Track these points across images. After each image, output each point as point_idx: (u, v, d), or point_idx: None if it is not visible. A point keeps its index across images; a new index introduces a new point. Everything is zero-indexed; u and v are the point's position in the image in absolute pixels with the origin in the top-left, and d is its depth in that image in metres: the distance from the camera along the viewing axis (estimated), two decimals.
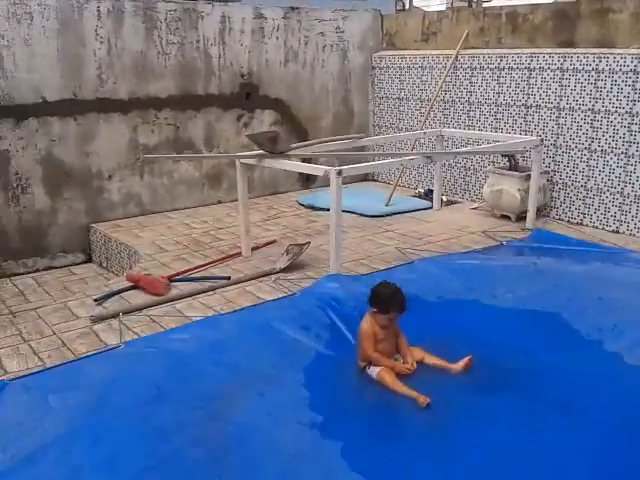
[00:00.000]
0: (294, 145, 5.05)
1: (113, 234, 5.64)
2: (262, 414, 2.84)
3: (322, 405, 2.96)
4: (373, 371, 3.21)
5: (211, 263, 4.78)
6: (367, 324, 3.28)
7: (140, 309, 3.94)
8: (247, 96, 6.68)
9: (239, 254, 4.98)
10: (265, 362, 3.28)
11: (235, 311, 3.87)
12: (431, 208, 6.32)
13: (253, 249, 5.05)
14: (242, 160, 4.83)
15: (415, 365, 3.26)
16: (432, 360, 3.33)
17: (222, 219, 6.12)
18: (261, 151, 4.75)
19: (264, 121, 6.83)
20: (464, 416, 2.91)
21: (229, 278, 4.43)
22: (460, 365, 3.24)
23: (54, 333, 3.68)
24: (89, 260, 5.96)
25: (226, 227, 5.83)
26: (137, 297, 4.16)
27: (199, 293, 4.20)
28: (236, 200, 5.85)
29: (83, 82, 5.66)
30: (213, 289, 4.27)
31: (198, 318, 3.77)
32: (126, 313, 3.87)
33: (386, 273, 4.38)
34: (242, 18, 6.45)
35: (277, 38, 6.74)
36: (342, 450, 2.63)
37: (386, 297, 3.21)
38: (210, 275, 4.54)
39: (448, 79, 6.57)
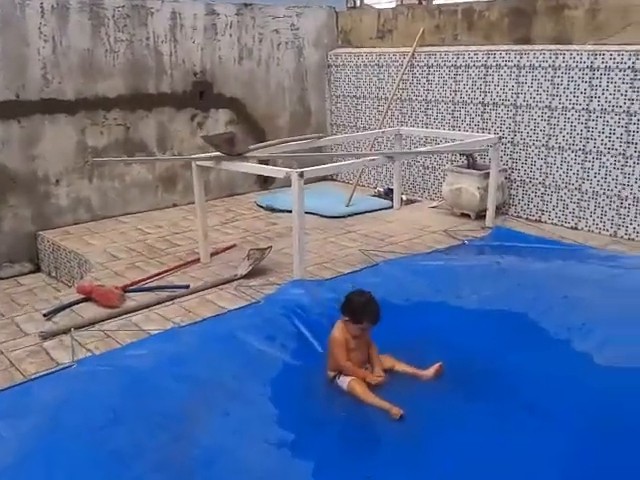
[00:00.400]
0: (252, 146, 4.89)
1: (62, 242, 5.37)
2: (227, 433, 2.69)
3: (291, 420, 2.83)
4: (343, 381, 3.10)
5: (168, 271, 4.58)
6: (339, 332, 3.16)
7: (93, 323, 3.73)
8: (201, 95, 6.48)
9: (197, 260, 4.79)
10: (229, 376, 3.12)
11: (195, 322, 3.70)
12: (391, 207, 6.26)
13: (212, 255, 4.87)
14: (198, 162, 4.65)
15: (384, 375, 3.15)
16: (403, 367, 3.24)
17: (178, 223, 5.91)
18: (218, 153, 4.58)
19: (219, 120, 6.64)
20: (437, 424, 2.83)
21: (188, 287, 4.25)
22: (431, 372, 3.17)
23: (1, 352, 3.44)
24: (37, 270, 5.66)
25: (182, 232, 5.63)
26: (89, 310, 3.94)
27: (156, 304, 4.01)
28: (192, 203, 5.67)
29: (27, 82, 5.36)
30: (171, 299, 4.07)
31: (156, 331, 3.58)
32: (78, 328, 3.65)
33: (350, 277, 4.28)
34: (194, 14, 6.24)
35: (230, 35, 6.55)
36: (314, 470, 2.52)
37: (360, 307, 3.09)
38: (167, 284, 4.34)
39: (405, 77, 6.52)
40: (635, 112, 4.94)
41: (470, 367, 3.28)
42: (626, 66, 4.94)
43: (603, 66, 5.06)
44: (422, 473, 2.51)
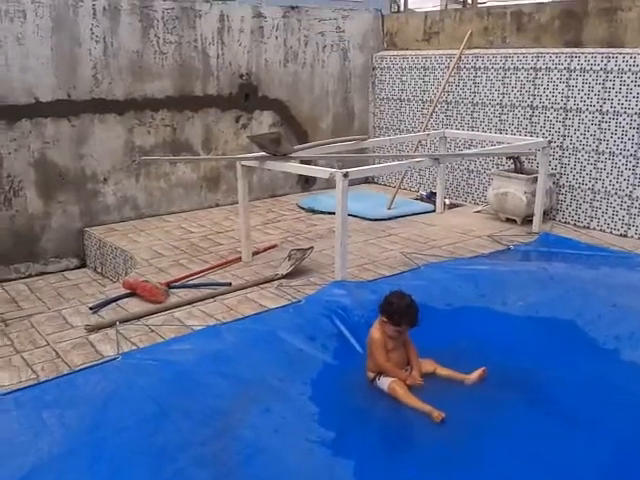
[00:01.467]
0: (296, 147, 4.90)
1: (108, 238, 5.48)
2: (269, 431, 2.69)
3: (331, 420, 2.81)
4: (384, 383, 3.07)
5: (210, 269, 4.63)
6: (378, 332, 3.13)
7: (138, 318, 3.78)
8: (246, 97, 6.53)
9: (239, 259, 4.82)
10: (271, 374, 3.12)
11: (237, 320, 3.72)
12: (434, 211, 6.19)
13: (254, 254, 4.90)
14: (243, 162, 4.68)
15: (422, 379, 3.10)
16: (445, 371, 3.18)
17: (220, 223, 5.97)
18: (263, 153, 4.60)
19: (263, 122, 6.69)
20: (479, 430, 2.77)
21: (230, 284, 4.28)
22: (474, 376, 3.11)
23: (48, 343, 3.52)
24: (83, 265, 5.78)
25: (225, 231, 5.68)
26: (134, 305, 4.00)
27: (199, 300, 4.04)
28: (234, 203, 5.73)
29: (78, 82, 5.50)
30: (213, 296, 4.11)
31: (199, 327, 3.61)
32: (123, 322, 3.71)
33: (392, 279, 4.24)
34: (241, 17, 6.30)
35: (276, 38, 6.59)
36: (354, 470, 2.49)
37: (400, 309, 3.05)
38: (210, 281, 4.38)
39: (451, 79, 6.44)
40: None
41: (514, 374, 3.21)
42: None
43: None
44: (463, 477, 2.46)
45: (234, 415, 2.76)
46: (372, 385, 3.13)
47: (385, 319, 3.09)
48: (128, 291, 4.15)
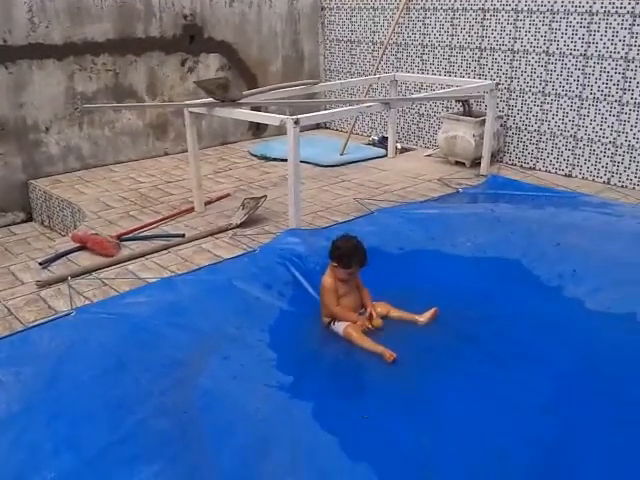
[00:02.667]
0: (245, 92, 4.80)
1: (54, 190, 5.32)
2: (228, 378, 2.74)
3: (289, 365, 2.88)
4: (339, 327, 3.16)
5: (162, 220, 4.57)
6: (328, 278, 3.20)
7: (90, 271, 3.74)
8: (191, 39, 6.31)
9: (192, 209, 4.78)
10: (228, 323, 3.16)
11: (192, 271, 3.72)
12: (386, 156, 6.23)
13: (206, 204, 4.85)
14: (191, 109, 4.57)
15: (379, 320, 3.21)
16: (397, 313, 3.29)
17: (170, 172, 5.86)
18: (211, 99, 4.49)
19: (210, 66, 6.50)
20: (432, 369, 2.89)
21: (184, 235, 4.25)
22: (426, 316, 3.22)
23: None
24: (30, 219, 5.62)
25: (175, 180, 5.59)
26: (85, 259, 3.94)
27: (152, 253, 4.01)
28: (184, 151, 5.63)
29: (13, 27, 5.19)
30: (167, 248, 4.08)
31: (153, 280, 3.60)
32: (75, 276, 3.66)
33: (346, 225, 4.29)
34: None
35: None
36: (312, 411, 2.57)
37: (347, 251, 3.13)
38: (163, 232, 4.34)
39: (401, 21, 6.36)
40: (633, 58, 4.88)
41: (463, 312, 3.33)
42: (625, 11, 4.84)
43: (602, 10, 4.96)
44: (415, 415, 2.59)
45: (193, 365, 2.80)
46: (328, 330, 3.21)
47: (335, 264, 3.16)
48: (78, 245, 4.08)
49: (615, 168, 5.18)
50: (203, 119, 6.40)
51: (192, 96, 5.98)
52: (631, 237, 3.95)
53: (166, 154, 6.41)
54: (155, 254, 4.00)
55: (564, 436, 2.44)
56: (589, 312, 3.31)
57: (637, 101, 4.93)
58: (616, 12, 4.88)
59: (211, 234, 4.28)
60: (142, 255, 3.97)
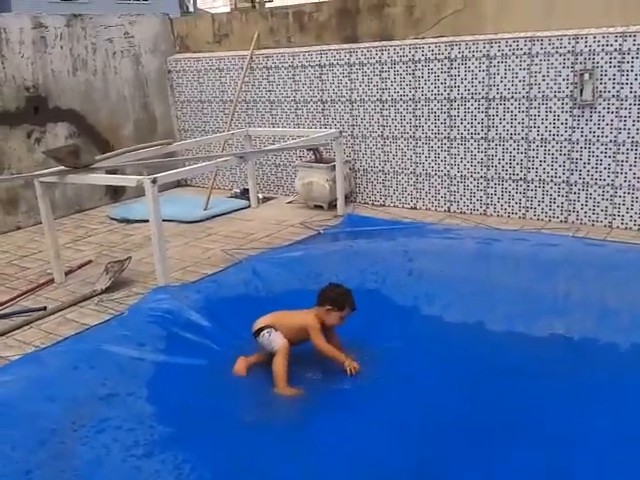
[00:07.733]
0: (98, 157, 4.81)
1: None
2: (109, 441, 2.70)
3: (170, 417, 2.90)
4: (275, 338, 3.24)
5: (21, 295, 4.39)
6: (314, 321, 3.30)
7: None
8: (35, 110, 6.19)
9: (52, 281, 4.63)
10: (102, 387, 3.10)
11: (58, 342, 3.61)
12: (249, 207, 6.43)
13: (67, 273, 4.73)
14: (42, 179, 4.49)
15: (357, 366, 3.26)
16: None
17: (25, 246, 5.63)
18: (62, 167, 4.45)
19: (59, 134, 6.39)
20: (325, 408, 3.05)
21: (45, 308, 4.11)
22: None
23: None
24: None
25: (31, 254, 5.38)
26: None
27: (13, 330, 3.84)
28: (38, 224, 5.44)
29: None
30: (28, 323, 3.93)
31: (17, 357, 3.45)
32: None
33: (215, 277, 4.39)
34: (20, 28, 5.96)
35: (62, 47, 6.33)
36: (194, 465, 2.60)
37: (341, 294, 3.32)
38: (22, 308, 4.17)
39: (246, 79, 6.70)
40: (455, 98, 5.52)
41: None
42: (443, 56, 5.50)
43: (423, 58, 5.59)
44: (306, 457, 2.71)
45: (69, 434, 2.73)
46: (255, 337, 3.30)
47: (329, 306, 3.28)
48: None
49: (452, 197, 5.77)
50: (56, 188, 6.25)
51: (42, 167, 5.82)
52: (471, 256, 4.43)
53: (19, 228, 6.14)
54: (17, 331, 3.83)
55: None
56: (445, 324, 3.67)
57: (463, 135, 5.56)
58: (435, 58, 5.52)
59: (74, 303, 4.17)
60: (2, 334, 3.79)
